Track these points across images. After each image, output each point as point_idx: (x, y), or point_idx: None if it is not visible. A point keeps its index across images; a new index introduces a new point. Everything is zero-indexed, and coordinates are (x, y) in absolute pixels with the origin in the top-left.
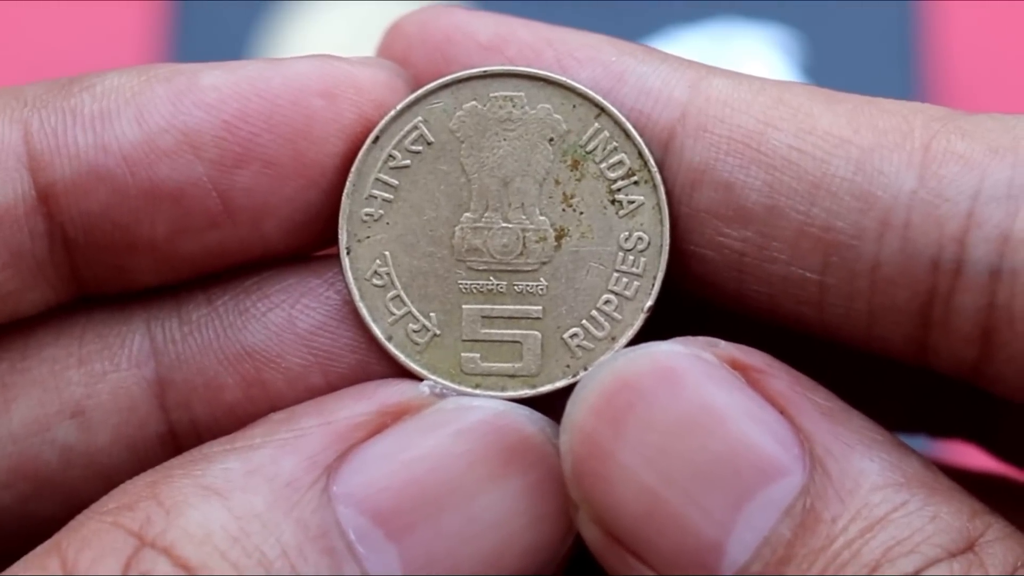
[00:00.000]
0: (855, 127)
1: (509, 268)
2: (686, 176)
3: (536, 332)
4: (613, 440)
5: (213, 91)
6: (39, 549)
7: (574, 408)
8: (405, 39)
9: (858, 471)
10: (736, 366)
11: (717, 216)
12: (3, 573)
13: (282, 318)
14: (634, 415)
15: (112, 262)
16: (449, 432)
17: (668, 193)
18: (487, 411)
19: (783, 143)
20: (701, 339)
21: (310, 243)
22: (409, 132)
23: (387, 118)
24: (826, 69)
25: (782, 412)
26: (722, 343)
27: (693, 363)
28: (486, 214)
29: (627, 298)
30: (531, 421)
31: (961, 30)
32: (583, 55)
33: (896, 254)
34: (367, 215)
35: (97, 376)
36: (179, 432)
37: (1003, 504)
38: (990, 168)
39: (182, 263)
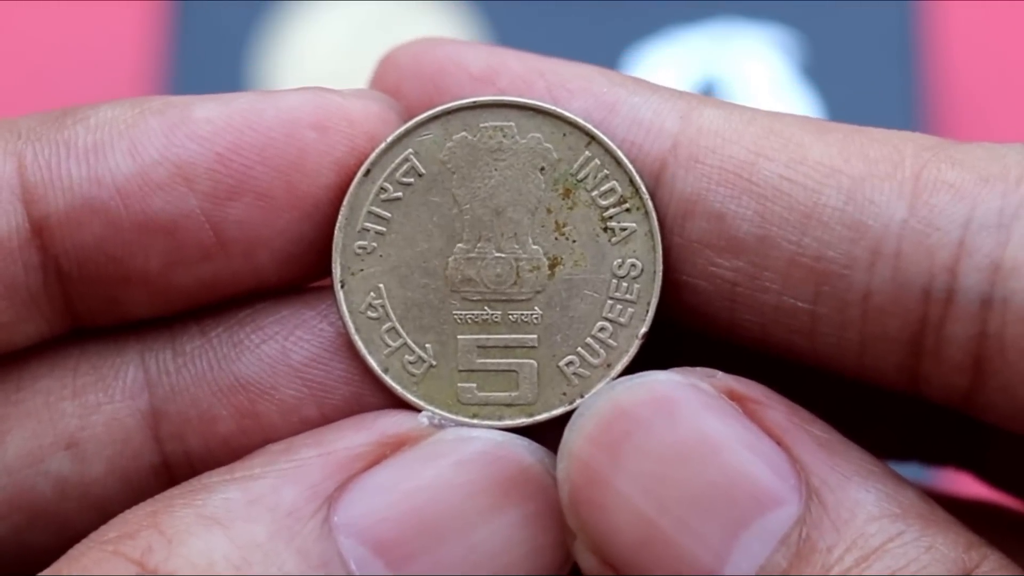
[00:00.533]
0: (846, 157)
1: (503, 298)
2: (678, 206)
3: (532, 361)
4: (610, 468)
5: (206, 124)
6: None
7: (571, 436)
8: (398, 70)
9: (854, 501)
10: (733, 397)
11: (709, 246)
12: None
13: (276, 350)
14: (631, 443)
15: (106, 294)
16: (449, 463)
17: (660, 222)
18: (486, 442)
19: (774, 173)
20: (699, 369)
21: (303, 275)
22: (400, 164)
23: (378, 151)
24: (826, 69)
25: (779, 443)
26: (719, 374)
27: (690, 393)
28: (479, 244)
29: (622, 325)
30: (530, 452)
31: (961, 30)
32: (575, 86)
33: (887, 283)
34: (360, 248)
35: (91, 408)
36: (173, 464)
37: (995, 532)
38: (980, 197)
39: (176, 295)
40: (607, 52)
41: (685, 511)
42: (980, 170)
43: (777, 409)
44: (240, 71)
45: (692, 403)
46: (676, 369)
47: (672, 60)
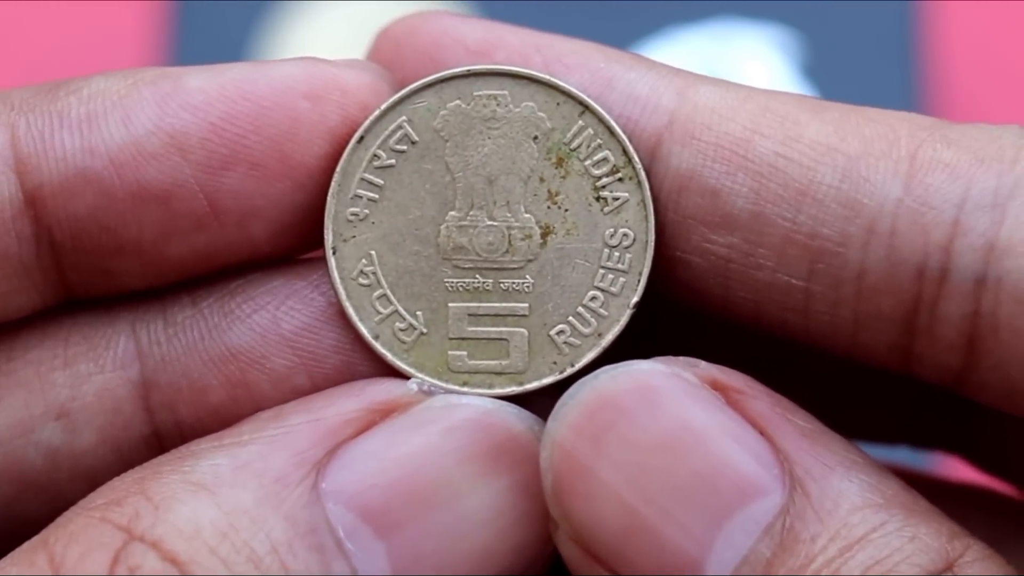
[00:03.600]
0: (842, 135)
1: (495, 266)
2: (673, 182)
3: (523, 329)
4: (593, 457)
5: (199, 93)
6: (26, 545)
7: (555, 425)
8: (394, 43)
9: (837, 492)
10: (716, 386)
11: (703, 222)
12: None
13: (267, 319)
14: (614, 433)
15: (99, 265)
16: (437, 430)
17: (655, 198)
18: (475, 409)
19: (770, 150)
20: (682, 359)
21: (296, 245)
22: (394, 132)
23: (371, 118)
24: (826, 69)
25: (762, 432)
26: (702, 363)
27: (673, 382)
28: (471, 212)
29: (613, 294)
30: (519, 419)
31: (961, 30)
32: (571, 61)
33: (882, 262)
34: (352, 215)
35: (82, 378)
36: (164, 434)
37: (984, 515)
38: (976, 177)
39: (169, 266)
40: None
41: (668, 501)
42: (976, 150)
43: (760, 399)
44: None
45: (675, 392)
46: (659, 359)
47: (672, 60)
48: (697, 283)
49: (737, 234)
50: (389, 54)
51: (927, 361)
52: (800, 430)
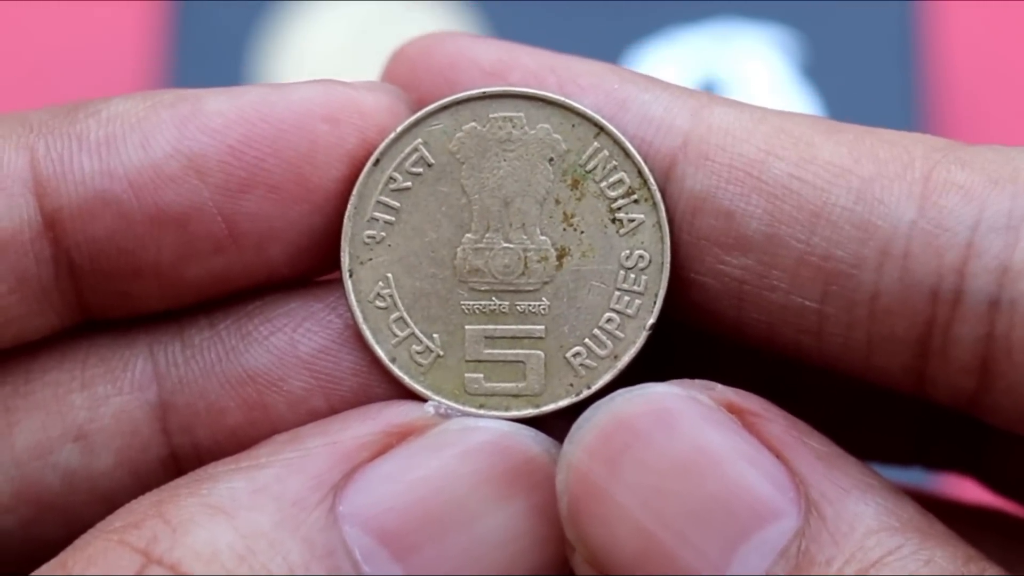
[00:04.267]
0: (856, 157)
1: (511, 288)
2: (687, 203)
3: (539, 352)
4: (608, 480)
5: (218, 116)
6: (43, 568)
7: (570, 447)
8: (409, 64)
9: (853, 515)
10: (732, 409)
11: (717, 244)
12: None
13: (284, 342)
14: (630, 455)
15: (117, 287)
16: (454, 453)
17: (669, 218)
18: (492, 432)
19: (784, 172)
20: (698, 382)
21: (314, 267)
22: (410, 154)
23: (387, 140)
24: (826, 69)
25: (778, 456)
26: (719, 386)
27: (689, 405)
28: (487, 235)
29: (629, 316)
30: (536, 442)
31: (961, 30)
32: (586, 82)
33: (895, 284)
34: (369, 237)
35: (100, 400)
36: (181, 456)
37: (998, 537)
38: (990, 199)
39: (187, 288)
40: (607, 52)
41: (684, 524)
42: (990, 172)
43: (776, 422)
44: (240, 71)
45: (691, 415)
46: (675, 381)
47: (672, 60)
48: (711, 305)
49: (751, 256)
50: (404, 75)
51: (940, 383)
52: (816, 453)
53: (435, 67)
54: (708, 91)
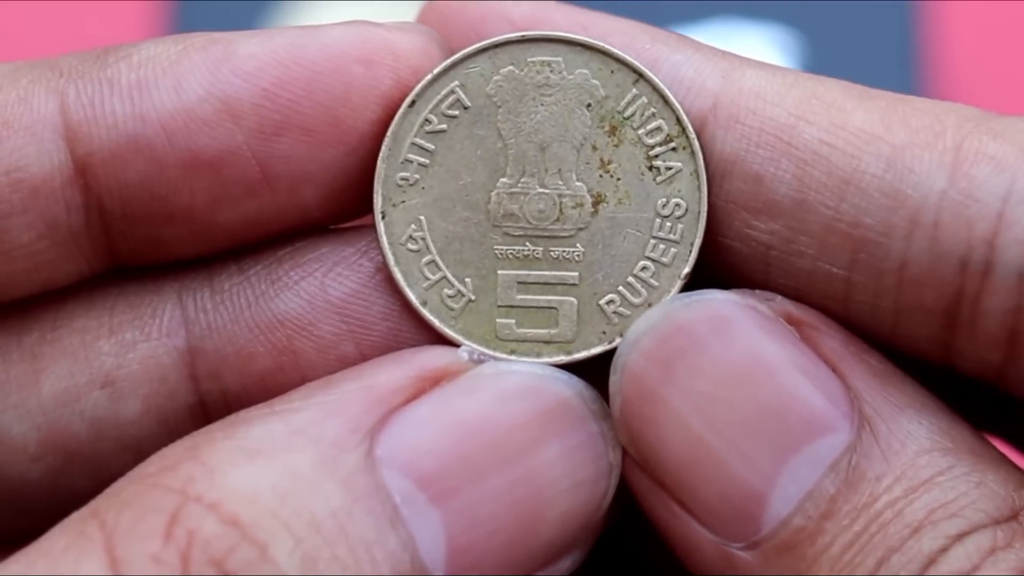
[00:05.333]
0: (887, 124)
1: (545, 234)
2: (716, 166)
3: (572, 298)
4: (663, 384)
5: (251, 59)
6: (75, 515)
7: (626, 350)
8: (440, 17)
9: (906, 433)
10: (791, 321)
11: (745, 208)
12: (40, 539)
13: (315, 286)
14: (685, 361)
15: (148, 233)
16: (489, 396)
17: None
18: (526, 375)
19: (814, 137)
20: (758, 292)
21: (347, 211)
22: (446, 96)
23: (424, 82)
24: (826, 69)
25: (834, 369)
26: (778, 297)
27: (747, 313)
28: (522, 179)
29: (664, 264)
30: (569, 385)
31: (961, 30)
32: (616, 41)
33: (924, 253)
34: (402, 179)
35: (127, 346)
36: (209, 403)
37: None
38: (1021, 170)
39: (219, 233)
40: None
41: (736, 432)
42: (1021, 143)
43: (834, 336)
44: None
45: (748, 324)
46: (735, 290)
47: None
48: (738, 269)
49: (779, 221)
50: (434, 26)
51: (968, 355)
52: (872, 370)
53: (465, 20)
54: (740, 54)
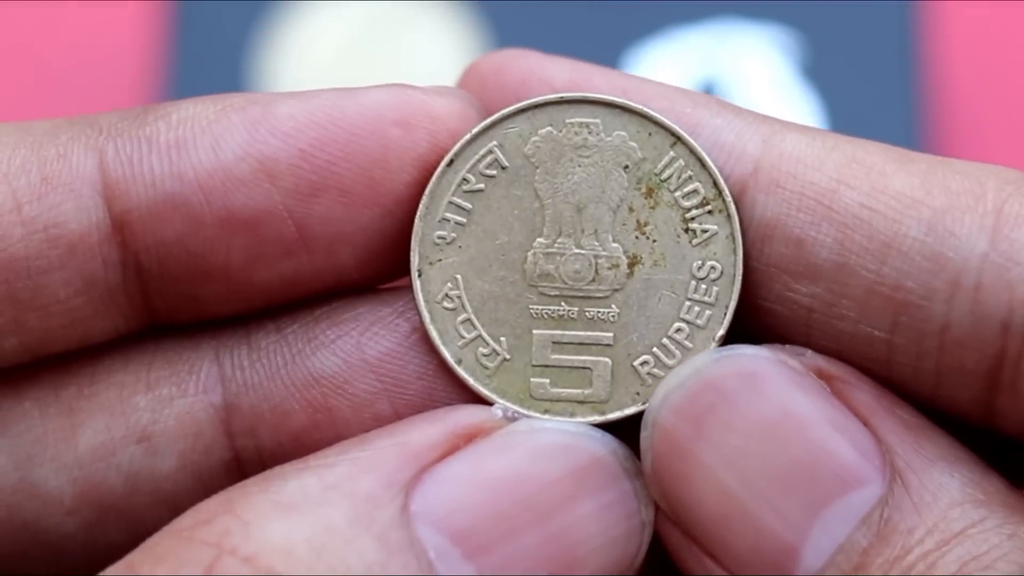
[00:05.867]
0: (928, 188)
1: (581, 294)
2: (757, 231)
3: (606, 359)
4: (694, 439)
5: (289, 120)
6: (110, 569)
7: (656, 404)
8: (480, 81)
9: (938, 485)
10: (821, 375)
11: (787, 271)
12: None
13: (351, 345)
14: (716, 416)
15: (185, 291)
16: (523, 453)
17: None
18: (560, 433)
19: (855, 201)
20: (788, 347)
21: (383, 272)
22: (484, 156)
23: (462, 141)
24: (826, 69)
25: (865, 423)
26: (809, 352)
27: (778, 368)
28: (559, 240)
29: (699, 327)
30: (602, 443)
31: (961, 30)
32: (657, 105)
33: (966, 316)
34: (440, 238)
35: (164, 402)
36: (244, 459)
37: None
38: None
39: (255, 292)
40: (607, 52)
41: (767, 487)
42: None
43: (865, 390)
44: (240, 71)
45: (779, 379)
46: (765, 345)
47: (672, 60)
48: (779, 332)
49: (820, 284)
50: (475, 91)
51: (1010, 416)
52: (904, 423)
53: (507, 85)
54: (780, 118)
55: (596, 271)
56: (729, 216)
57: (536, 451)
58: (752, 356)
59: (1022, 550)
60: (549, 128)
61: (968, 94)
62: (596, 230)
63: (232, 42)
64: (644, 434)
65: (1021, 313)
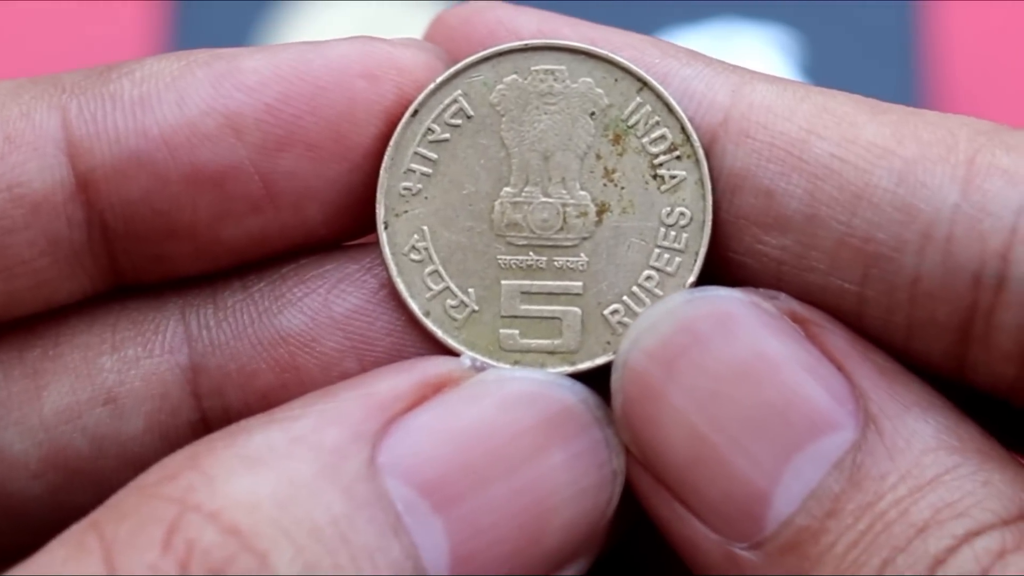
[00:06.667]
0: (899, 138)
1: (549, 243)
2: (727, 182)
3: (576, 308)
4: (665, 382)
5: (254, 74)
6: (74, 527)
7: (627, 345)
8: (448, 32)
9: (911, 431)
10: (795, 319)
11: (756, 223)
12: (39, 551)
13: (318, 303)
14: (688, 358)
15: (151, 250)
16: (492, 403)
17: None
18: (528, 382)
19: (825, 151)
20: (761, 290)
21: (352, 228)
22: (449, 106)
23: (426, 91)
24: (826, 69)
25: (839, 367)
26: (782, 295)
27: (751, 310)
28: (526, 188)
29: (669, 274)
30: (572, 392)
31: (961, 30)
32: (627, 55)
33: (937, 268)
34: (405, 189)
35: (130, 362)
36: (211, 419)
37: None
38: None
39: (222, 250)
40: None
41: (739, 430)
42: None
43: (839, 334)
44: None
45: (752, 321)
46: (739, 288)
47: None
48: (748, 284)
49: (790, 236)
50: (442, 42)
51: (981, 369)
52: (878, 368)
53: (474, 36)
54: (751, 68)
55: (564, 219)
56: (698, 161)
57: (505, 401)
58: (725, 297)
59: (997, 497)
60: (514, 76)
61: (968, 94)
62: (563, 178)
63: (232, 42)
64: (615, 376)
65: (993, 264)
